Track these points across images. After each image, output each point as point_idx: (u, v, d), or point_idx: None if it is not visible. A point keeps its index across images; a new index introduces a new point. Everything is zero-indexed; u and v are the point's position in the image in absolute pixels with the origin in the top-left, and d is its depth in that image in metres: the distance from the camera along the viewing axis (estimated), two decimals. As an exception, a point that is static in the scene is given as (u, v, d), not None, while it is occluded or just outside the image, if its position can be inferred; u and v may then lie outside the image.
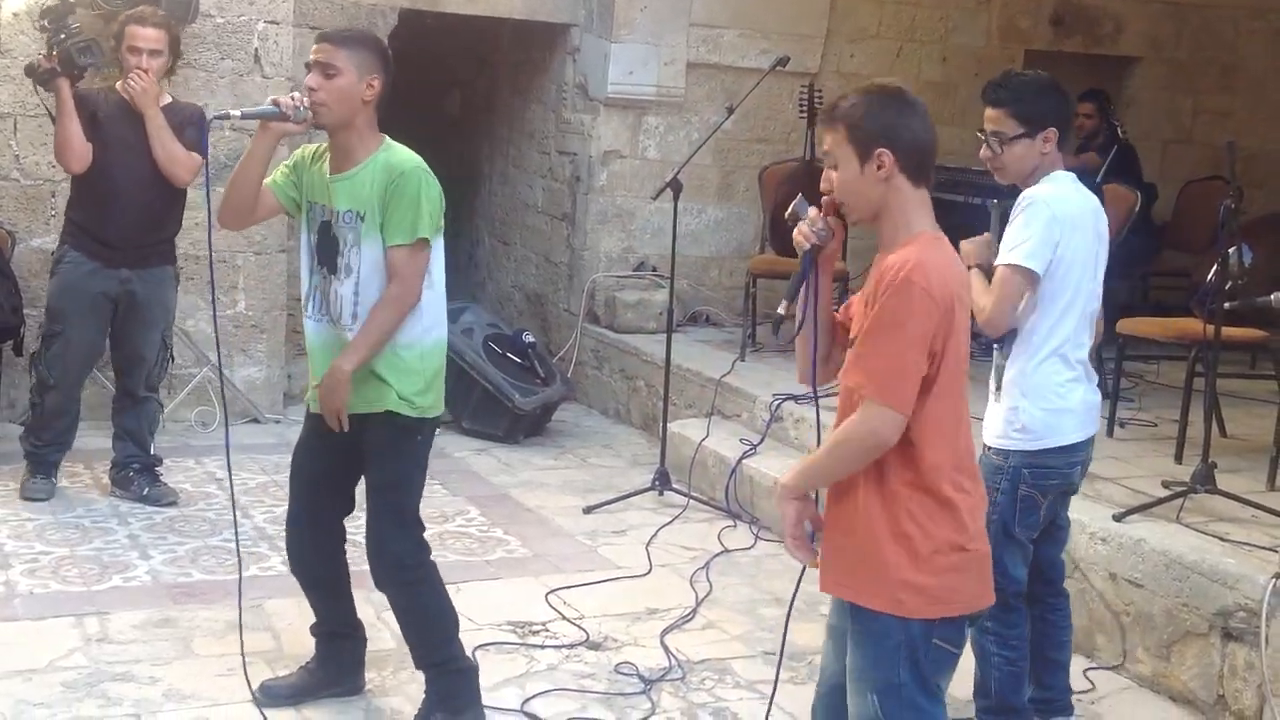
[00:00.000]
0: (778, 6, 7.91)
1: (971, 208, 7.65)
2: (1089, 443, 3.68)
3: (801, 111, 7.48)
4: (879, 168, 2.63)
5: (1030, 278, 3.54)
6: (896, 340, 2.53)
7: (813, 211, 2.74)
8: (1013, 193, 3.77)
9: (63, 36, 5.15)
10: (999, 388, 3.63)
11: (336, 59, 3.48)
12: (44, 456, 5.45)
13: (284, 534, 3.92)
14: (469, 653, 3.87)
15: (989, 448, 3.62)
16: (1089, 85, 8.76)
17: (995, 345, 3.66)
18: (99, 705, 3.74)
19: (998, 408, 3.62)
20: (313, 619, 3.93)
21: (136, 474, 5.47)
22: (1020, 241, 3.57)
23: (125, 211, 5.23)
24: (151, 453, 5.54)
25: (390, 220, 3.51)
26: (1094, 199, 3.74)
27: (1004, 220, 3.77)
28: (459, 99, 9.46)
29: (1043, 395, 3.56)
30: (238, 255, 6.71)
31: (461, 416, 6.91)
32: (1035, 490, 3.59)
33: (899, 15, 8.35)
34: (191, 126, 5.26)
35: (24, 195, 6.28)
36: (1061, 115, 3.65)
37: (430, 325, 3.61)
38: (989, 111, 3.64)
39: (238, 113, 3.53)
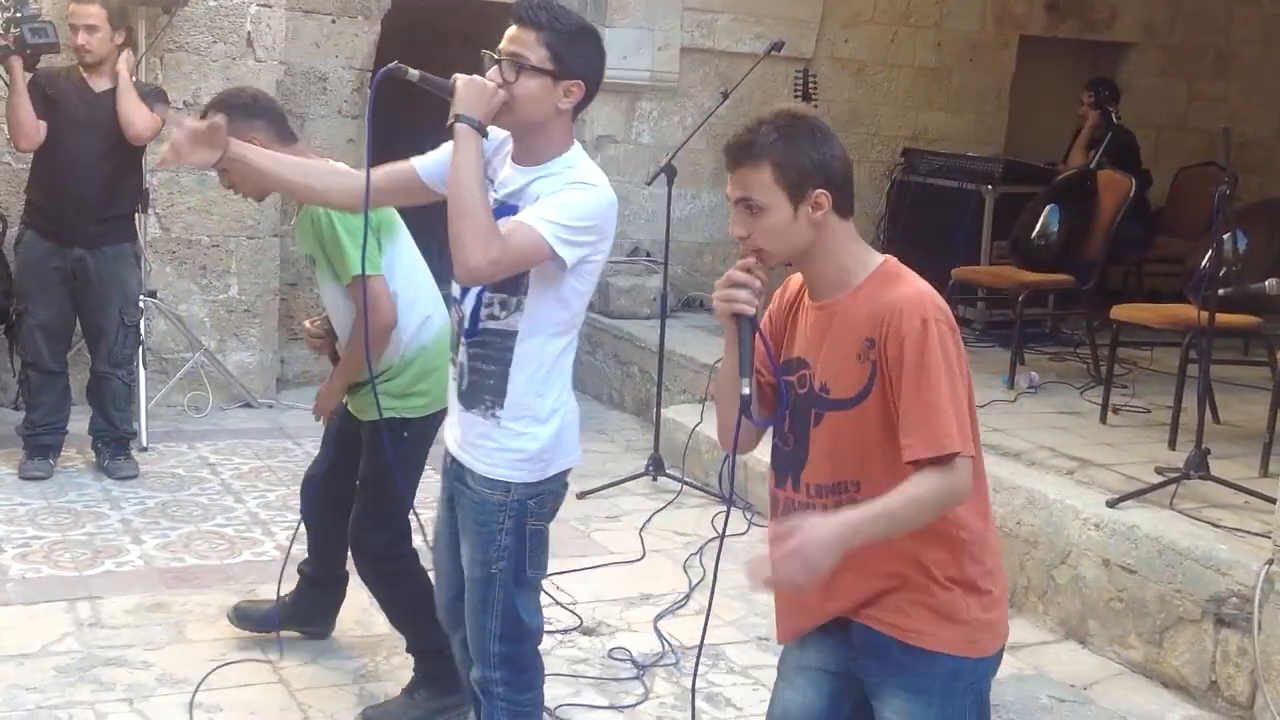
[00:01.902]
0: (772, -9, 7.90)
1: (964, 193, 7.67)
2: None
3: (795, 96, 7.45)
4: (815, 208, 2.32)
5: None
6: (953, 386, 2.27)
7: (739, 271, 2.35)
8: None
9: (18, 16, 5.21)
10: None
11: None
12: (38, 439, 5.50)
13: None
14: None
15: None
16: (1084, 71, 8.80)
17: None
18: (91, 690, 3.73)
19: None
20: None
21: (105, 445, 5.57)
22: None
23: (78, 190, 5.36)
24: (122, 426, 5.60)
25: (332, 264, 3.59)
26: None
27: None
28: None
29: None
30: (230, 239, 6.69)
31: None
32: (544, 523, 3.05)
33: (894, 0, 8.33)
34: (153, 94, 5.46)
35: (15, 179, 6.24)
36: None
37: (411, 336, 3.63)
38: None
39: (415, 74, 2.83)
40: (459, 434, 2.91)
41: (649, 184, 6.59)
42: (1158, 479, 4.62)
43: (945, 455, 2.24)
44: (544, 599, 4.49)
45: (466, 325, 2.85)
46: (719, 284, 2.36)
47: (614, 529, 5.37)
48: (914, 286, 2.33)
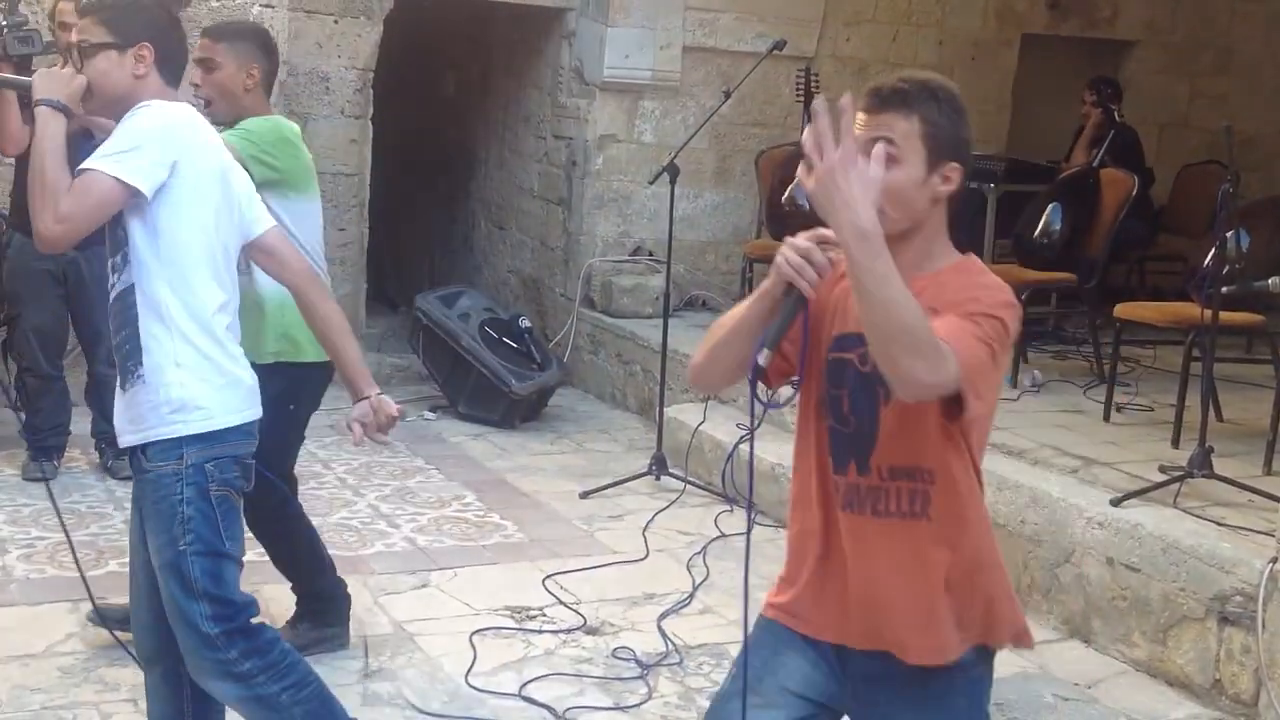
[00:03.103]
0: (774, -10, 7.89)
1: (966, 191, 7.65)
2: None
3: (798, 95, 7.46)
4: (944, 181, 2.22)
5: None
6: (990, 350, 2.14)
7: (824, 246, 2.15)
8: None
9: (2, 22, 5.16)
10: None
11: None
12: (41, 442, 5.49)
13: None
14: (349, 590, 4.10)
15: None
16: (1086, 69, 8.78)
17: None
18: (96, 690, 3.74)
19: None
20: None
21: (107, 446, 5.54)
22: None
23: None
24: None
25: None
26: None
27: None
28: (454, 82, 9.43)
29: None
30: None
31: (458, 401, 6.91)
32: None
33: (895, -2, 8.33)
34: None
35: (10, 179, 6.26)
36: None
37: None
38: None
39: None
40: (121, 420, 2.85)
41: (651, 183, 6.59)
42: (1161, 477, 4.62)
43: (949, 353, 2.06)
44: (548, 598, 4.56)
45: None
46: (798, 242, 2.16)
47: (617, 528, 5.37)
48: (999, 284, 2.25)
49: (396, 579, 4.66)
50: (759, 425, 2.23)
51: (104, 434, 5.56)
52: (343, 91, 7.20)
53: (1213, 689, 4.05)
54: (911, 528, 2.26)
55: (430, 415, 6.91)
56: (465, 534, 5.20)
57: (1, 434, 5.88)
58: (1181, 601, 4.14)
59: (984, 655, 2.38)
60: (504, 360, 6.84)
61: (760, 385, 2.21)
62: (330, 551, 4.20)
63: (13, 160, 5.44)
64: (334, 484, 5.67)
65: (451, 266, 9.35)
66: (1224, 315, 4.86)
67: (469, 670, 3.97)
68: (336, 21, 7.13)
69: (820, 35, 8.09)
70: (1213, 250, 4.81)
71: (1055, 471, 4.91)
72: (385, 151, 7.79)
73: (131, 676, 3.81)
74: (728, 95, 6.36)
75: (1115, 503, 4.46)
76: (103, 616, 3.88)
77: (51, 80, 2.85)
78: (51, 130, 2.79)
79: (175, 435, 2.76)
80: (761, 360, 2.16)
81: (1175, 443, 5.18)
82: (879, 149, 2.10)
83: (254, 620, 2.87)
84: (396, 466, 5.99)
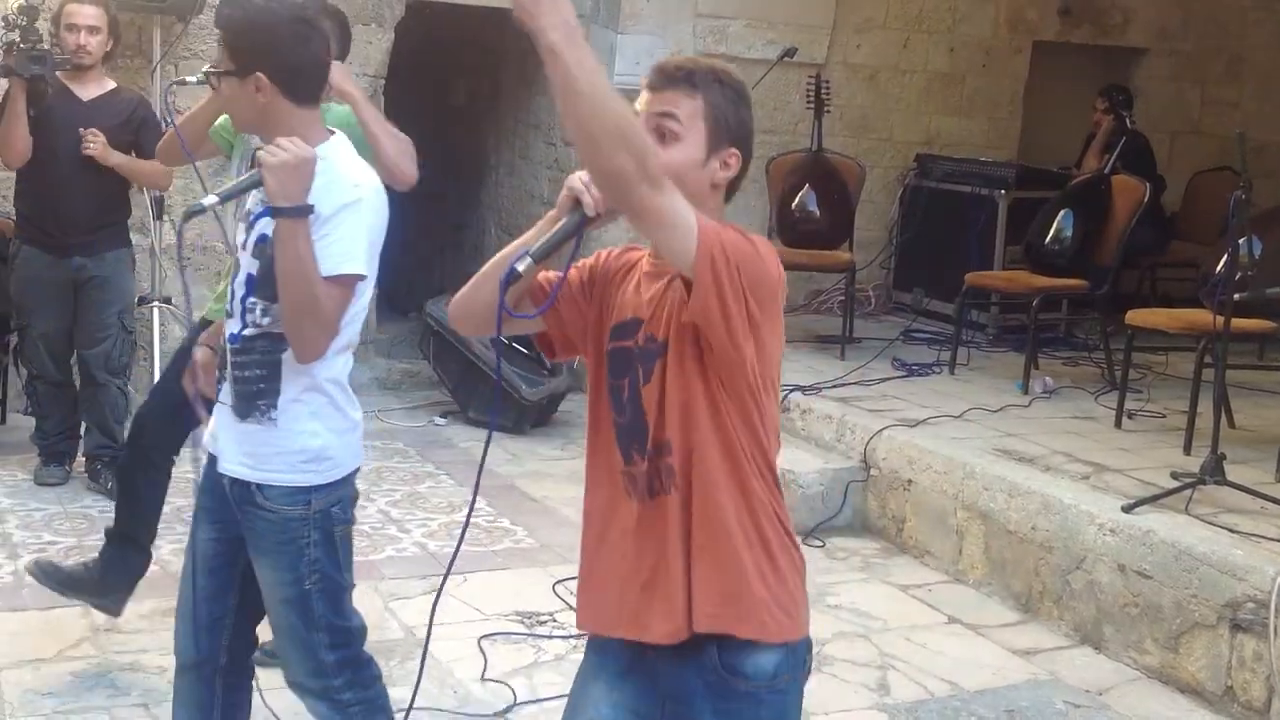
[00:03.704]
0: (785, -3, 7.90)
1: (977, 198, 7.67)
2: None
3: (808, 102, 7.46)
4: (723, 166, 2.21)
5: None
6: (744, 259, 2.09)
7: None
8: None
9: (16, 38, 5.15)
10: None
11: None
12: (53, 447, 5.50)
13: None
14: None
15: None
16: (1097, 76, 8.78)
17: None
18: (107, 695, 3.75)
19: None
20: None
21: (104, 467, 5.39)
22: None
23: (72, 201, 5.27)
24: (119, 444, 5.41)
25: None
26: None
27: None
28: (465, 89, 9.45)
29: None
30: (244, 246, 6.71)
31: (468, 407, 6.91)
32: None
33: (906, 5, 8.32)
34: (147, 127, 5.34)
35: (29, 186, 6.28)
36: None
37: None
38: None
39: (214, 199, 2.68)
40: (234, 450, 2.77)
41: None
42: (1173, 484, 4.61)
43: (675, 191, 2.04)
44: (558, 603, 4.56)
45: (233, 333, 2.76)
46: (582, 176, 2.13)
47: (628, 534, 5.36)
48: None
49: (407, 584, 4.66)
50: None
51: (101, 450, 5.44)
52: (354, 98, 7.21)
53: (1224, 696, 4.03)
54: (661, 503, 2.20)
55: (441, 421, 6.92)
56: (475, 539, 5.20)
57: (13, 439, 5.89)
58: (1193, 608, 4.13)
59: (747, 649, 2.19)
60: (514, 366, 6.84)
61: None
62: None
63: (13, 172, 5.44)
64: (345, 489, 5.67)
65: (462, 273, 9.34)
66: (1236, 322, 4.85)
67: (479, 675, 3.97)
68: (348, 28, 7.14)
69: (831, 42, 8.09)
70: (1225, 257, 4.81)
71: (1067, 478, 4.90)
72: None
73: (143, 681, 3.83)
74: (739, 102, 6.36)
75: (1127, 509, 4.45)
76: (41, 569, 3.99)
77: (286, 175, 2.55)
78: (304, 248, 2.55)
79: (305, 485, 2.74)
80: (520, 267, 2.09)
81: (1187, 449, 5.17)
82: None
83: (364, 650, 2.91)
84: (407, 471, 6.00)
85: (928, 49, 8.42)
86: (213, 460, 2.84)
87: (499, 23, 8.37)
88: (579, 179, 2.15)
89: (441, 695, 3.86)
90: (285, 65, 2.66)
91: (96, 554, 4.07)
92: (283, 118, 2.67)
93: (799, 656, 2.24)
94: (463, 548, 5.22)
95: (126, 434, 5.42)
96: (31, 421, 5.71)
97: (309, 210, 2.58)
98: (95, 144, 5.19)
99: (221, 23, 2.76)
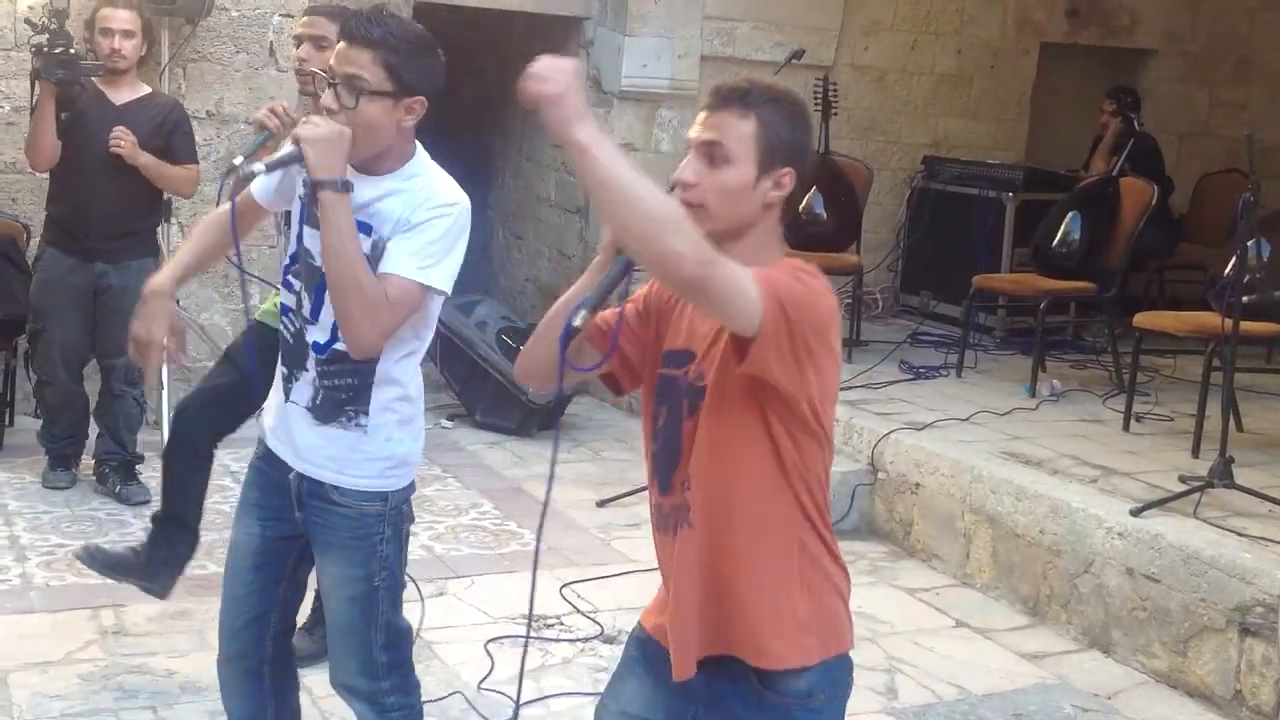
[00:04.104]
0: (792, -1, 7.90)
1: (985, 200, 7.66)
2: None
3: (816, 105, 7.45)
4: (776, 187, 2.19)
5: None
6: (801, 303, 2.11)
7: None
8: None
9: (44, 42, 5.14)
10: None
11: None
12: (60, 450, 5.49)
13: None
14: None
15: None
16: (1105, 78, 8.77)
17: None
18: (115, 698, 3.75)
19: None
20: None
21: (112, 470, 5.43)
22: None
23: (99, 206, 5.25)
24: (130, 451, 5.47)
25: None
26: None
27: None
28: (471, 92, 9.45)
29: None
30: (252, 249, 6.70)
31: (475, 409, 6.91)
32: None
33: (914, 7, 8.31)
34: (179, 132, 5.33)
35: (39, 189, 6.28)
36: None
37: None
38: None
39: (261, 165, 2.67)
40: (314, 452, 2.77)
41: (670, 192, 6.58)
42: (1181, 487, 4.60)
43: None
44: (565, 607, 4.56)
45: (319, 342, 2.73)
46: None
47: (634, 537, 5.36)
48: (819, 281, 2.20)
49: (414, 587, 4.65)
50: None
51: (110, 455, 5.46)
52: (361, 101, 7.22)
53: (1233, 700, 4.02)
54: (684, 537, 2.21)
55: (447, 424, 6.92)
56: (482, 542, 5.20)
57: (21, 442, 5.90)
58: (1202, 612, 4.12)
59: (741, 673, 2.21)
60: (521, 368, 6.84)
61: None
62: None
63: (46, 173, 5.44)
64: (352, 492, 5.67)
65: (468, 275, 9.31)
66: (1245, 325, 4.84)
67: (485, 678, 3.97)
68: (355, 31, 7.15)
69: (838, 44, 8.08)
70: (1233, 259, 4.80)
71: (1074, 481, 4.89)
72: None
73: (150, 684, 3.83)
74: (746, 104, 6.36)
75: (1135, 513, 4.44)
76: (89, 555, 4.01)
77: (325, 148, 2.52)
78: (345, 222, 2.52)
79: (389, 489, 2.77)
80: (577, 322, 2.12)
81: (1195, 452, 5.16)
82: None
83: (411, 657, 2.94)
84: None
85: (935, 51, 8.42)
86: (267, 456, 2.86)
87: (505, 25, 8.38)
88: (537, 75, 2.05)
89: (449, 699, 3.85)
90: (439, 93, 2.67)
91: (145, 537, 4.12)
92: (408, 142, 2.69)
93: (836, 675, 2.25)
94: (469, 551, 5.26)
95: (139, 443, 5.50)
96: (36, 424, 5.71)
97: (349, 186, 2.55)
98: (124, 142, 5.15)
99: (378, 39, 2.57)
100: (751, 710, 2.21)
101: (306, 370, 2.76)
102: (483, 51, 9.05)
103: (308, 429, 2.77)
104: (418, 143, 2.76)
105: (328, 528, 2.77)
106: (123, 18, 5.24)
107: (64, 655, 3.98)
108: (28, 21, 5.35)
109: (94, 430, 5.53)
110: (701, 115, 2.22)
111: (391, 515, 2.79)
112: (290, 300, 2.78)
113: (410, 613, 4.37)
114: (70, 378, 5.44)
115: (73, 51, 5.14)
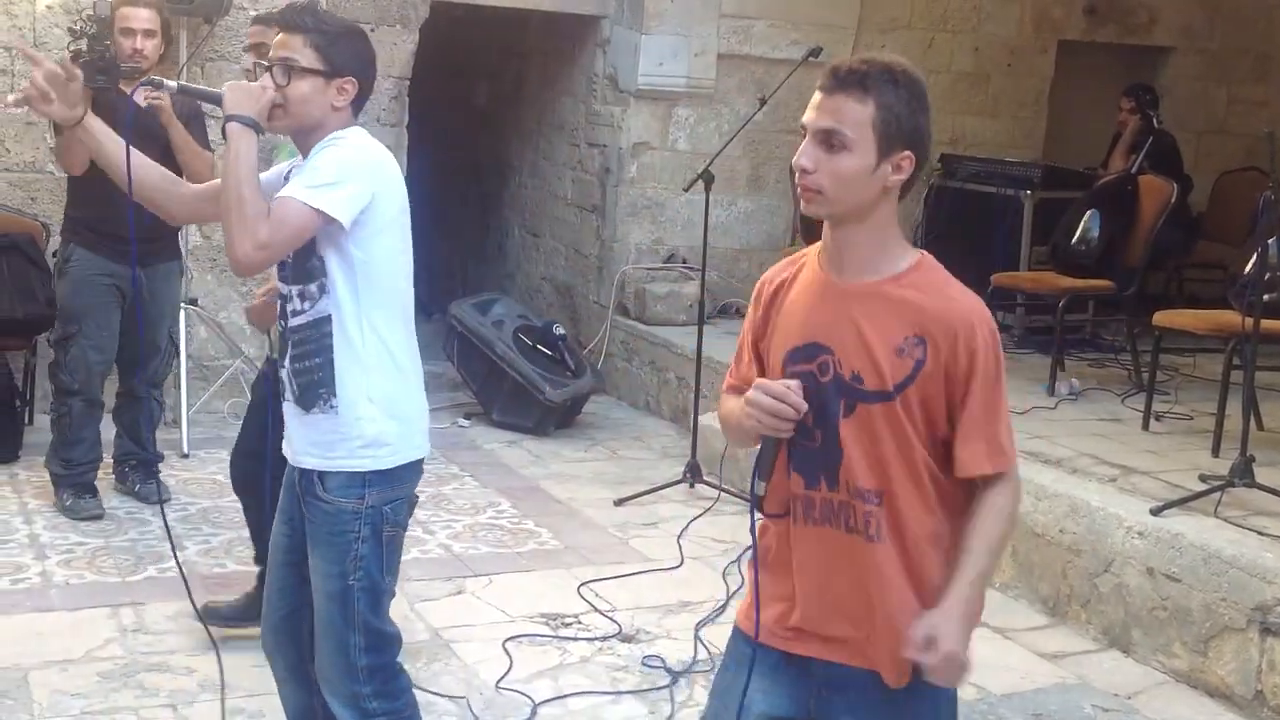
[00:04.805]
0: (808, -3, 7.89)
1: (1003, 198, 7.63)
2: None
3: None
4: (895, 170, 2.17)
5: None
6: (1002, 396, 2.21)
7: (783, 394, 2.15)
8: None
9: (84, 48, 5.12)
10: None
11: None
12: (79, 477, 5.25)
13: None
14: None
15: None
16: (1123, 76, 8.73)
17: None
18: (135, 696, 3.76)
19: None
20: None
21: (132, 470, 5.43)
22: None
23: (129, 206, 5.19)
24: (150, 450, 5.45)
25: None
26: None
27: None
28: (488, 90, 9.46)
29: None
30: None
31: (492, 409, 6.92)
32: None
33: (931, 5, 8.29)
34: (196, 121, 5.31)
35: (58, 188, 6.30)
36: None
37: None
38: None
39: (174, 85, 2.98)
40: (301, 441, 2.87)
41: (686, 190, 6.59)
42: (1202, 486, 4.58)
43: (1008, 470, 2.20)
44: (583, 605, 4.56)
45: (284, 326, 2.87)
46: (768, 391, 2.15)
47: (652, 536, 5.36)
48: (972, 294, 2.25)
49: (432, 586, 4.66)
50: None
51: (129, 455, 5.44)
52: (378, 99, 7.22)
53: (1254, 700, 4.00)
54: (866, 548, 2.21)
55: (464, 422, 6.93)
56: (500, 541, 5.21)
57: (40, 440, 5.87)
58: (1222, 612, 4.10)
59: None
60: (538, 367, 6.85)
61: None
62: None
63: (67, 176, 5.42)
64: (369, 491, 5.68)
65: (485, 274, 9.37)
66: (1265, 323, 4.82)
67: (504, 677, 3.98)
68: (373, 30, 7.15)
69: (855, 42, 8.06)
70: (1253, 257, 4.78)
71: (1094, 480, 4.87)
72: (419, 159, 7.81)
73: (170, 682, 3.84)
74: (763, 102, 6.35)
75: (1155, 512, 4.42)
76: (210, 614, 3.98)
77: (242, 94, 2.77)
78: (244, 149, 2.72)
79: (362, 470, 2.81)
80: (760, 490, 2.25)
81: (1215, 451, 5.14)
82: None
83: (398, 660, 2.95)
84: (431, 473, 6.00)
85: (952, 49, 8.39)
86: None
87: (522, 24, 8.39)
88: (759, 419, 2.16)
89: (468, 697, 3.85)
90: (370, 78, 2.87)
91: (256, 581, 4.10)
92: (338, 123, 2.83)
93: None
94: (486, 550, 5.26)
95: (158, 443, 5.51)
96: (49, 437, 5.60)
97: (257, 126, 2.75)
98: (162, 99, 4.95)
99: (310, 25, 2.81)
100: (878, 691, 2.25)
101: (288, 363, 2.86)
102: (499, 50, 9.06)
103: (298, 421, 2.88)
104: (359, 127, 2.87)
105: (312, 522, 2.86)
106: (144, 17, 5.22)
107: (84, 653, 4.00)
108: (70, 29, 5.34)
109: (110, 430, 5.50)
110: (817, 97, 2.17)
111: (369, 514, 2.81)
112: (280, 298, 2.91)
113: (426, 611, 4.40)
114: (100, 385, 5.30)
115: (111, 56, 5.14)
